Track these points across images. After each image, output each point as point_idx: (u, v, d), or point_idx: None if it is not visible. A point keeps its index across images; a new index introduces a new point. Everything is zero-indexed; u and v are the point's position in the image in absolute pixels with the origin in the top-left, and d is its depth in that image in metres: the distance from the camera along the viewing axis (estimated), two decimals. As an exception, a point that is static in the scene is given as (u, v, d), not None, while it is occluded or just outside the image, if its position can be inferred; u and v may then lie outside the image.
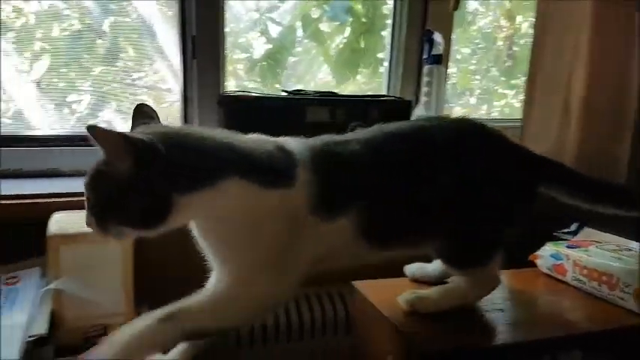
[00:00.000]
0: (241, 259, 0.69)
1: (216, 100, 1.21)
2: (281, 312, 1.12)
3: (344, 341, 1.15)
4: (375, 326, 0.83)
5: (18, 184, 1.07)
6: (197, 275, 0.99)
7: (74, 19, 1.27)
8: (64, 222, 0.84)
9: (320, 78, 1.60)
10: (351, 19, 1.50)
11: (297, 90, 1.27)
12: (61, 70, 1.27)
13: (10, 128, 1.20)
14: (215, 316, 0.68)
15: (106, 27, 1.28)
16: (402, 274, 0.94)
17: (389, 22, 1.48)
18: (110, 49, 1.29)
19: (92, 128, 0.59)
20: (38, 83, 1.25)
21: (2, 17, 1.17)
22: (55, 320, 0.80)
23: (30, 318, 0.76)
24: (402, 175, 0.73)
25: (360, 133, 0.78)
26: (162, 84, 1.35)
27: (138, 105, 0.74)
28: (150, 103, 1.27)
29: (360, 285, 0.90)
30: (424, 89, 1.31)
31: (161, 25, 1.30)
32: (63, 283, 0.78)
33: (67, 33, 1.27)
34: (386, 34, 1.50)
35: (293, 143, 0.72)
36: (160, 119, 0.74)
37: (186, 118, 1.28)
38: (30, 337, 0.74)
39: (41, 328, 0.76)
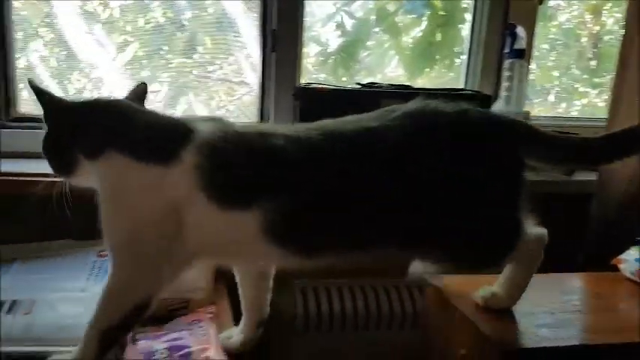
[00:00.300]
0: (110, 236, 0.67)
1: (292, 93, 1.24)
2: (349, 301, 1.14)
3: (409, 335, 1.15)
4: (448, 320, 0.83)
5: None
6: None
7: (158, 13, 1.34)
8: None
9: (390, 71, 1.60)
10: (428, 13, 1.49)
11: (371, 83, 1.28)
12: (143, 62, 1.34)
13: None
14: (104, 310, 0.66)
15: (186, 20, 1.35)
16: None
17: (467, 15, 1.45)
18: (189, 42, 1.35)
19: (30, 81, 0.70)
20: (123, 73, 1.32)
21: (90, 9, 1.26)
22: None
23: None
24: (337, 178, 0.67)
25: (299, 127, 0.73)
26: (236, 77, 1.39)
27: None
28: (222, 95, 1.35)
29: (434, 279, 0.90)
30: (504, 84, 1.28)
31: (241, 19, 1.35)
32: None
33: (150, 25, 1.35)
34: (464, 27, 1.47)
35: (203, 125, 0.68)
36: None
37: (262, 110, 1.31)
38: (121, 305, 0.79)
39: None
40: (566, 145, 0.77)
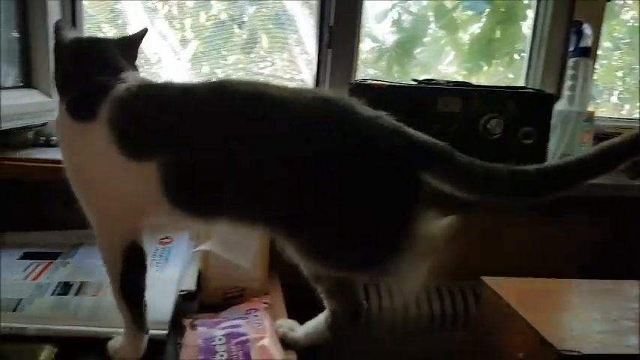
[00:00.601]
0: (76, 193, 0.71)
1: (348, 88, 1.24)
2: (412, 302, 1.13)
3: (461, 337, 1.13)
4: (505, 323, 0.81)
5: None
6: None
7: (220, 9, 1.37)
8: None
9: (446, 68, 1.58)
10: (488, 10, 1.46)
11: (428, 79, 1.26)
12: (203, 58, 1.37)
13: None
14: (105, 263, 0.71)
15: (245, 17, 1.37)
16: (533, 274, 0.91)
17: (529, 12, 1.41)
18: (248, 38, 1.37)
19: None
20: (186, 68, 1.36)
21: (151, 5, 1.31)
22: (200, 279, 0.88)
23: (181, 275, 0.84)
24: (224, 139, 0.65)
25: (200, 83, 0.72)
26: (288, 73, 1.40)
27: None
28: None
29: (491, 281, 0.89)
30: (568, 83, 1.24)
31: (299, 15, 1.36)
32: (210, 245, 0.85)
33: (211, 22, 1.38)
34: (525, 24, 1.43)
35: (123, 85, 0.68)
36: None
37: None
38: (181, 291, 0.82)
39: (190, 284, 0.85)
40: (493, 176, 0.70)
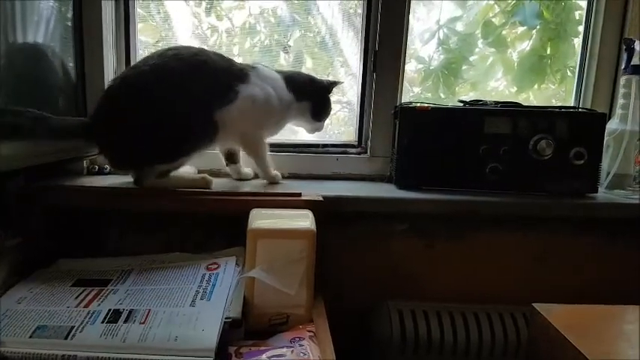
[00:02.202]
0: None
1: (392, 111, 1.23)
2: (448, 325, 1.11)
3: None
4: (558, 352, 0.77)
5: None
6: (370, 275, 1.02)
7: (264, 34, 1.40)
8: (261, 218, 0.92)
9: (494, 87, 1.54)
10: (538, 26, 1.42)
11: (475, 100, 1.24)
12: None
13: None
14: None
15: (291, 41, 1.39)
16: (587, 300, 0.86)
17: (580, 27, 1.36)
18: (293, 62, 1.40)
19: None
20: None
21: (200, 32, 1.35)
22: (245, 305, 0.87)
23: (227, 302, 0.84)
24: None
25: None
26: (336, 95, 1.41)
27: None
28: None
29: (542, 308, 0.84)
30: (620, 101, 1.19)
31: (345, 39, 1.38)
32: (256, 272, 0.86)
33: (257, 48, 1.41)
34: (576, 40, 1.38)
35: None
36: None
37: (360, 128, 1.32)
38: (227, 318, 0.82)
39: (236, 311, 0.84)
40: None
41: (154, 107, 0.98)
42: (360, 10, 1.32)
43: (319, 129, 1.24)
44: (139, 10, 1.28)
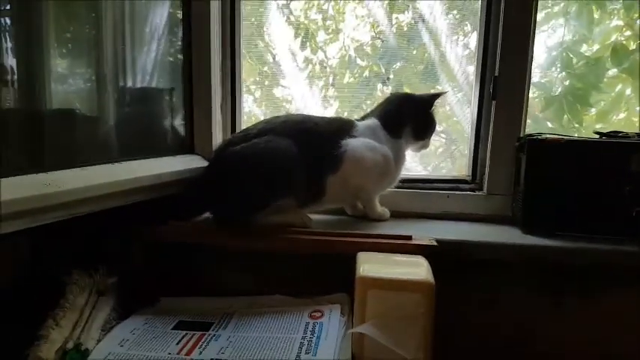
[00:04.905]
0: None
1: (517, 142, 1.10)
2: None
3: None
4: None
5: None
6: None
7: (365, 66, 1.34)
8: (372, 263, 0.83)
9: (622, 117, 1.36)
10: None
11: (615, 132, 1.07)
12: (344, 112, 1.35)
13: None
14: None
15: (392, 72, 1.31)
16: None
17: None
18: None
19: None
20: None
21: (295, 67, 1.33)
22: (354, 363, 0.78)
23: (335, 358, 0.76)
24: None
25: None
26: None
27: None
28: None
29: None
30: None
31: (450, 66, 1.28)
32: (367, 328, 0.76)
33: (354, 80, 1.34)
34: None
35: None
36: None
37: (475, 162, 1.20)
38: (334, 377, 0.74)
39: (344, 369, 0.76)
40: None
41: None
42: (466, 39, 1.21)
43: (425, 146, 1.17)
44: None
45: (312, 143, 1.01)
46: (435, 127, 1.15)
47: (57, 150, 0.83)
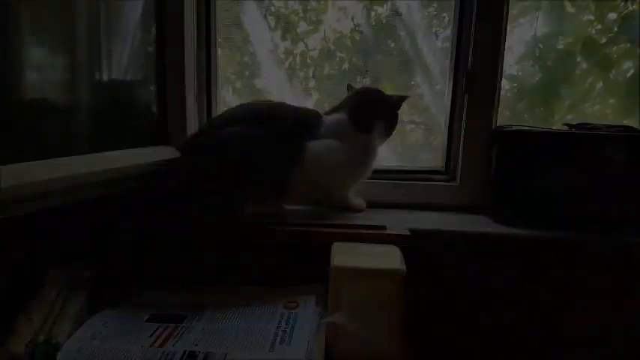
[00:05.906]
0: None
1: (490, 135, 1.12)
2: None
3: None
4: None
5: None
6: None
7: (343, 59, 1.34)
8: (346, 253, 0.84)
9: (595, 109, 1.39)
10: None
11: (583, 123, 1.10)
12: (324, 105, 1.34)
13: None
14: None
15: (370, 64, 1.32)
16: None
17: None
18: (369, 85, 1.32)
19: None
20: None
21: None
22: (328, 353, 0.79)
23: (309, 348, 0.76)
24: None
25: None
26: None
27: None
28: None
29: None
30: None
31: (428, 61, 1.28)
32: (340, 317, 0.77)
33: (334, 72, 1.34)
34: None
35: None
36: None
37: (448, 153, 1.21)
38: (307, 366, 0.74)
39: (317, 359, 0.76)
40: None
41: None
42: (444, 31, 1.22)
43: (382, 143, 1.15)
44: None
45: (278, 137, 0.99)
46: (396, 126, 1.15)
47: (25, 140, 0.81)
